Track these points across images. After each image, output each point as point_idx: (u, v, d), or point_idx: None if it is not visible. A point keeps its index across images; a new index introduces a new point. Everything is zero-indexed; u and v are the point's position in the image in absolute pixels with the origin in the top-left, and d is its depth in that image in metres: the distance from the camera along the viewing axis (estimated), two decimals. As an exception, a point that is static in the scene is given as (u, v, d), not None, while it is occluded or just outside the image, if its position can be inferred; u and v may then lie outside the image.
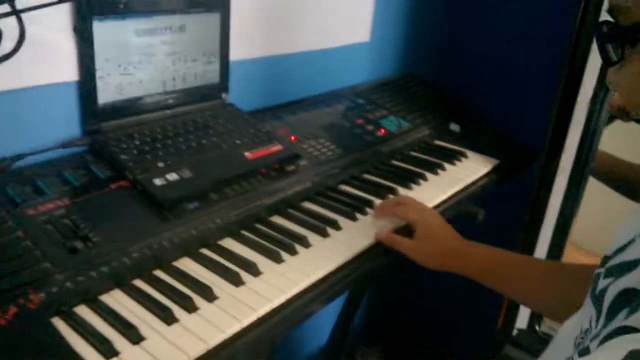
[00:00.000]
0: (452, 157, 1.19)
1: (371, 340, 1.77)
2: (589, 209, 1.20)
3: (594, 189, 1.18)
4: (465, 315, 1.61)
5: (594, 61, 0.99)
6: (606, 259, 0.57)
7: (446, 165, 1.16)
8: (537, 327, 1.22)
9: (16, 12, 0.77)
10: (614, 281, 0.50)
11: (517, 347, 1.22)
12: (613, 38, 0.56)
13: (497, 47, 1.47)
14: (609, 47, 0.57)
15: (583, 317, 0.54)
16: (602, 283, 0.53)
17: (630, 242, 0.54)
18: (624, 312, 0.45)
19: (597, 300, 0.51)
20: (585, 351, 0.46)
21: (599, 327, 0.48)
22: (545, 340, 1.21)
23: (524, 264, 0.87)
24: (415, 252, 0.86)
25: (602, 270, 0.55)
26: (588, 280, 0.76)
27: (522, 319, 1.23)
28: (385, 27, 1.43)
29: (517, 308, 1.22)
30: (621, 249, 0.55)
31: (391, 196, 0.99)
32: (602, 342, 0.43)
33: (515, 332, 1.24)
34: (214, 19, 0.98)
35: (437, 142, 1.29)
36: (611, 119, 1.15)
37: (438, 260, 0.86)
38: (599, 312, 0.50)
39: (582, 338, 0.52)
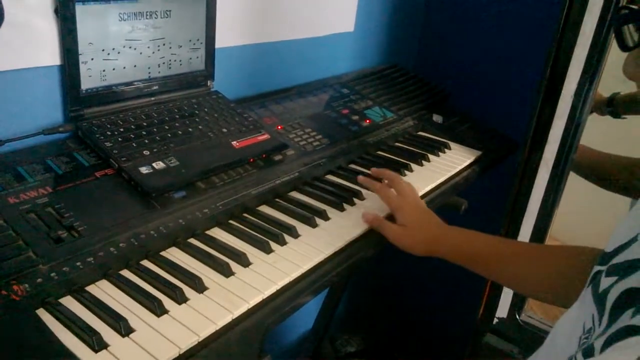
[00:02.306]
0: (436, 148, 1.20)
1: (352, 328, 1.78)
2: (568, 203, 1.22)
3: (572, 183, 1.20)
4: (446, 305, 1.64)
5: (580, 53, 1.01)
6: (606, 256, 0.57)
7: (430, 156, 1.16)
8: (517, 316, 1.24)
9: (-5, -8, 0.74)
10: (618, 280, 0.50)
11: (497, 335, 1.24)
12: (631, 19, 0.56)
13: (480, 38, 1.48)
14: (627, 31, 0.57)
15: (584, 314, 0.54)
16: (604, 282, 0.52)
17: (633, 240, 0.53)
18: (629, 312, 0.45)
19: (600, 299, 0.51)
20: (589, 349, 0.45)
21: (603, 326, 0.48)
22: (524, 329, 1.24)
23: (509, 247, 0.87)
24: (399, 238, 0.86)
25: (604, 268, 0.55)
26: (570, 260, 0.77)
27: (503, 308, 1.25)
28: (370, 17, 1.43)
29: (497, 297, 1.24)
30: (624, 247, 0.54)
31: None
32: (607, 342, 0.43)
33: (495, 320, 1.26)
34: (199, 4, 0.96)
35: (421, 133, 1.29)
36: (601, 112, 1.17)
37: (422, 247, 0.87)
38: (602, 311, 0.50)
39: (587, 338, 0.52)
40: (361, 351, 1.73)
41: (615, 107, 1.23)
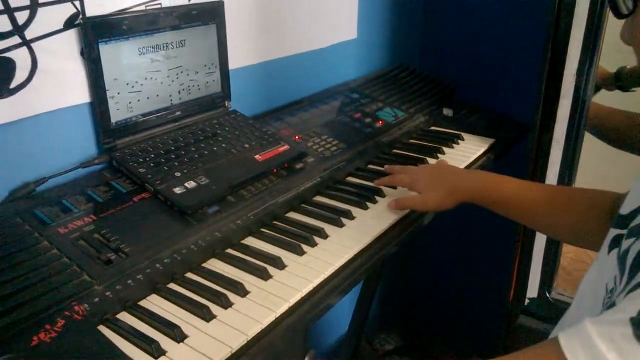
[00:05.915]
0: (450, 140, 1.24)
1: (388, 326, 1.81)
2: (584, 178, 1.25)
3: (586, 159, 1.23)
4: (476, 293, 1.66)
5: (577, 34, 1.04)
6: (622, 218, 0.60)
7: (445, 149, 1.20)
8: (547, 295, 1.26)
9: (27, 43, 0.80)
10: (635, 241, 0.53)
11: (530, 316, 1.26)
12: None
13: (480, 30, 1.51)
14: None
15: (606, 277, 0.57)
16: (625, 244, 0.55)
17: None
18: None
19: (622, 260, 0.54)
20: (612, 307, 0.49)
21: (623, 284, 0.51)
22: (556, 307, 1.26)
23: (527, 187, 0.91)
24: (424, 205, 0.94)
25: (625, 232, 0.58)
26: (591, 207, 0.82)
27: (533, 288, 1.27)
28: (371, 22, 1.48)
29: (527, 278, 1.27)
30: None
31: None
32: (627, 296, 0.47)
33: (527, 302, 1.29)
34: (211, 31, 1.02)
35: (434, 128, 1.33)
36: (597, 89, 1.20)
37: (447, 200, 0.93)
38: (622, 271, 0.52)
39: (610, 297, 0.55)
40: (400, 348, 1.76)
41: (623, 81, 1.25)
